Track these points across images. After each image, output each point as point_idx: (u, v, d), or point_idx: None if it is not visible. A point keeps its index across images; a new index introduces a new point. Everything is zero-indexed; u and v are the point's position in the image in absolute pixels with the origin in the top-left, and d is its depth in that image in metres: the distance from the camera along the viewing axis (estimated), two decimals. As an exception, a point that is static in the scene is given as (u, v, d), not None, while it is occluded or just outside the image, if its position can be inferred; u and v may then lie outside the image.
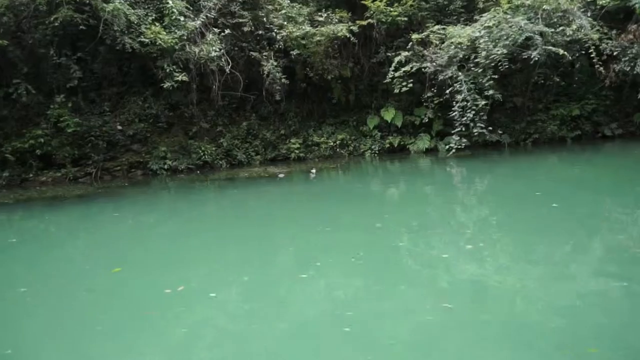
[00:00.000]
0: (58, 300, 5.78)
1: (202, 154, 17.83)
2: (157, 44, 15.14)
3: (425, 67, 17.09)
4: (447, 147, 17.30)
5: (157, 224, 10.21)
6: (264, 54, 17.63)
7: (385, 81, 17.61)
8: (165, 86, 15.39)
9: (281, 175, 15.25)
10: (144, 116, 17.72)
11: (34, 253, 8.19)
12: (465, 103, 16.04)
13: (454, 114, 16.39)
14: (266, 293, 5.73)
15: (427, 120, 18.39)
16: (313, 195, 12.68)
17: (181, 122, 18.55)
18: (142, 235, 9.09)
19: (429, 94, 17.65)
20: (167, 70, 15.44)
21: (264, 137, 19.11)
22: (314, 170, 15.61)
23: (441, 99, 17.66)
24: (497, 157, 17.35)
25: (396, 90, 17.24)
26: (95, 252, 7.87)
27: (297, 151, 19.14)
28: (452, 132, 16.73)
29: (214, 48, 15.76)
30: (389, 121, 19.36)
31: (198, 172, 17.54)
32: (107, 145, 17.00)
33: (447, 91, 16.60)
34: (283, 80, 17.44)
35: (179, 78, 15.43)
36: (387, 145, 19.52)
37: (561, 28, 16.23)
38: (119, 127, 17.31)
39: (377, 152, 19.37)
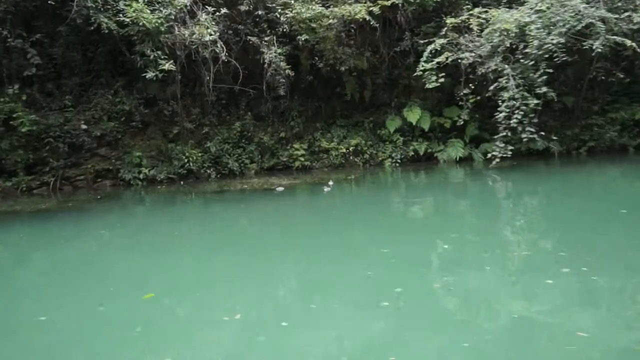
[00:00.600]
0: (95, 335, 5.87)
1: (185, 160, 17.84)
2: (140, 24, 15.24)
3: (462, 59, 17.47)
4: (490, 155, 17.59)
5: (153, 243, 10.29)
6: (265, 39, 17.78)
7: (415, 74, 17.88)
8: (148, 76, 15.48)
9: (280, 189, 15.31)
10: (114, 113, 17.70)
11: (34, 276, 8.24)
12: (514, 102, 16.42)
13: (498, 115, 16.70)
14: (347, 324, 5.92)
15: (461, 122, 18.81)
16: (326, 216, 12.86)
17: (159, 121, 18.54)
18: (144, 257, 9.20)
19: (465, 91, 18.10)
20: (151, 57, 15.51)
21: (260, 142, 19.21)
22: (331, 183, 15.69)
23: (477, 97, 18.11)
24: (545, 169, 17.62)
25: (428, 86, 17.54)
26: (98, 276, 7.96)
27: (301, 159, 19.33)
28: (495, 137, 17.01)
29: (208, 31, 15.91)
30: (414, 124, 19.68)
31: (182, 182, 17.63)
32: (68, 149, 16.94)
33: (491, 87, 16.96)
34: (288, 71, 17.68)
35: (165, 67, 15.55)
36: (411, 153, 19.83)
37: (626, 14, 16.71)
38: (84, 127, 17.26)
39: (398, 161, 19.66)
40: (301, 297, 6.87)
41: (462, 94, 18.16)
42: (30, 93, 17.00)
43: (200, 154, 18.23)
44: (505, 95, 16.63)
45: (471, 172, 18.28)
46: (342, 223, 11.37)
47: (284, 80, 17.72)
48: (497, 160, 17.09)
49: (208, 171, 18.21)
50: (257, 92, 18.84)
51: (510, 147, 17.04)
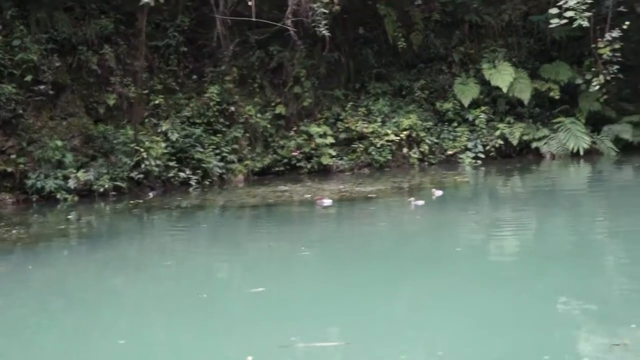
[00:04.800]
0: None
1: (143, 155, 17.09)
2: None
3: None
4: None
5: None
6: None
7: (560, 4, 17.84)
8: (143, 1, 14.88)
9: (327, 203, 15.34)
10: (11, 67, 16.50)
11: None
12: None
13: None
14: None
15: (596, 87, 19.01)
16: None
17: (79, 83, 17.58)
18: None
19: (615, 34, 18.44)
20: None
21: (248, 122, 18.87)
22: (438, 192, 15.68)
23: (618, 46, 18.54)
24: None
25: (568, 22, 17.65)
26: None
27: (330, 151, 19.17)
28: None
29: None
30: (505, 92, 19.93)
31: (150, 194, 16.97)
32: None
33: None
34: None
35: None
36: (499, 142, 20.19)
37: None
38: (-46, 93, 16.04)
39: (480, 155, 20.03)
40: None
41: (607, 39, 18.69)
42: None
43: (163, 145, 17.53)
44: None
45: (609, 171, 19.05)
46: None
47: (325, 11, 17.51)
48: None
49: (183, 174, 17.59)
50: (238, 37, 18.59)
51: None
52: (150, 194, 16.99)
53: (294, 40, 18.73)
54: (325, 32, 17.53)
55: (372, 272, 10.40)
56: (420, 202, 14.83)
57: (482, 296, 8.82)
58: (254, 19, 17.77)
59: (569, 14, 17.81)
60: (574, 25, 17.74)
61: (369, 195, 16.34)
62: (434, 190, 15.95)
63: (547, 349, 7.06)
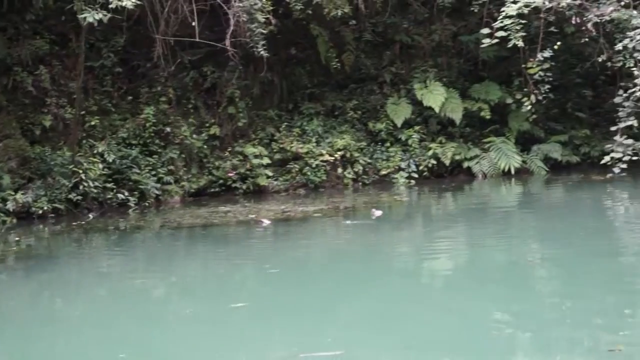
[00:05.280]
0: None
1: (81, 176, 17.16)
2: None
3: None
4: (609, 160, 18.39)
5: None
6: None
7: (496, 25, 18.33)
8: (89, 20, 15.06)
9: (266, 222, 15.65)
10: None
11: None
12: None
13: (622, 96, 18.26)
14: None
15: (528, 107, 19.72)
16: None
17: (15, 104, 17.75)
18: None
19: (546, 54, 19.09)
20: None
21: (184, 143, 19.09)
22: (377, 212, 16.35)
23: (547, 65, 19.25)
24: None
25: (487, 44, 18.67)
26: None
27: (266, 172, 19.49)
28: (614, 128, 18.35)
29: None
30: (437, 112, 20.72)
31: (90, 215, 17.04)
32: None
33: (621, 46, 18.22)
34: (270, 17, 17.86)
35: (125, 2, 14.98)
36: (432, 162, 20.88)
37: None
38: None
39: (414, 174, 20.64)
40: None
41: (539, 59, 19.37)
42: None
43: (101, 166, 17.59)
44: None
45: (542, 192, 19.77)
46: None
47: (263, 32, 17.86)
48: (619, 168, 18.35)
49: (121, 196, 17.71)
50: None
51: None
52: (90, 215, 16.91)
53: (230, 60, 18.97)
54: (264, 53, 17.87)
55: (336, 285, 10.89)
56: (357, 222, 15.28)
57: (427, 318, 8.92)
58: (197, 40, 17.97)
59: (500, 34, 18.38)
60: (509, 45, 18.33)
61: (314, 215, 16.66)
62: (373, 210, 16.26)
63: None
